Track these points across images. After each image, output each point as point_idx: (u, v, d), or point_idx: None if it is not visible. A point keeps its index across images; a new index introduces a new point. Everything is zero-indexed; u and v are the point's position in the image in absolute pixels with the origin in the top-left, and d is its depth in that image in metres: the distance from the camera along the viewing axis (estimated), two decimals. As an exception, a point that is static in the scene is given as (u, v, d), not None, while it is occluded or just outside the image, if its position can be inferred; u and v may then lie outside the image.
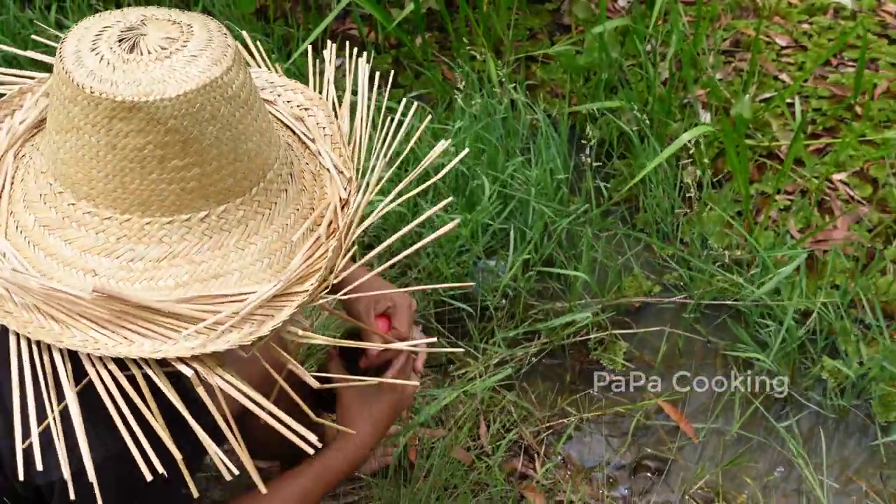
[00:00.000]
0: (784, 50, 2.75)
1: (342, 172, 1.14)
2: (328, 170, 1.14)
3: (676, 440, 1.99)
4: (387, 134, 1.18)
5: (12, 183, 1.08)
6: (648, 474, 1.96)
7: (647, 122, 2.31)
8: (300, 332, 1.03)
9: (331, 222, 1.08)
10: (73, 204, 1.00)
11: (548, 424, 2.01)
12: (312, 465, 1.37)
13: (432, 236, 1.13)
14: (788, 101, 2.47)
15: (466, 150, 1.46)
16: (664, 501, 1.91)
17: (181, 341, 0.96)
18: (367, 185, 1.13)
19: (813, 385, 2.03)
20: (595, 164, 2.34)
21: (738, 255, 2.18)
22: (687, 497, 1.91)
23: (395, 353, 1.42)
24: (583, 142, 2.39)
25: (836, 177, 2.41)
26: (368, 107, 1.21)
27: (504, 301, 2.13)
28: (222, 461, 0.99)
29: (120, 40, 0.97)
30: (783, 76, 2.67)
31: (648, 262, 2.29)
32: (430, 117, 1.39)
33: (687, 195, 2.32)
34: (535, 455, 1.97)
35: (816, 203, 2.35)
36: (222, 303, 0.99)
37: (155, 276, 0.99)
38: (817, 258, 2.24)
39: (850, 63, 2.69)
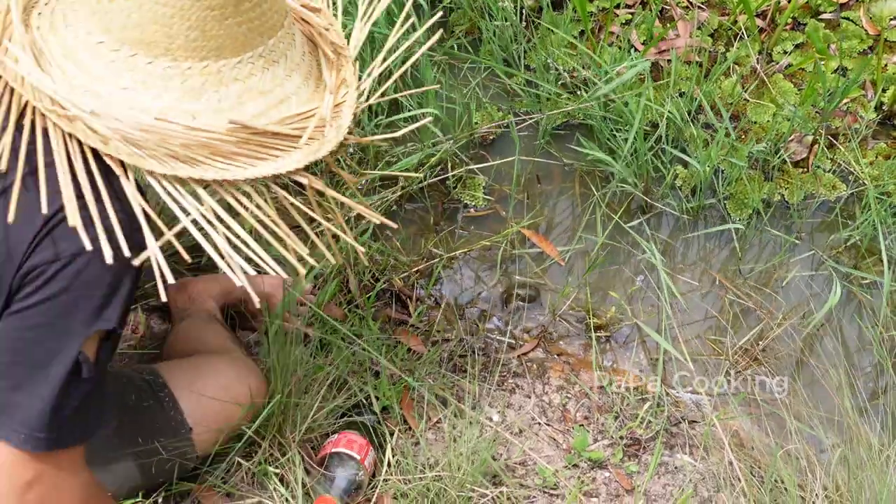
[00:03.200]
0: None
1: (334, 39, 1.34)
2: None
3: (544, 265, 2.01)
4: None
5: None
6: (520, 302, 1.97)
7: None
8: (353, 136, 1.29)
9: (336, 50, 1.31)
10: (150, 63, 1.10)
11: (416, 269, 1.99)
12: None
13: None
14: (621, -88, 2.42)
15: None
16: (537, 326, 1.93)
17: (291, 157, 1.15)
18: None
19: (668, 192, 2.07)
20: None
21: (584, 74, 2.16)
22: (559, 318, 1.94)
23: None
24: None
25: (674, -16, 2.40)
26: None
27: (356, 150, 2.07)
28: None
29: None
30: None
31: (498, 93, 2.25)
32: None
33: (530, 21, 2.28)
34: (408, 300, 1.96)
35: (658, 14, 2.34)
36: (301, 119, 1.18)
37: (241, 111, 1.14)
38: (662, 68, 2.25)
39: None
